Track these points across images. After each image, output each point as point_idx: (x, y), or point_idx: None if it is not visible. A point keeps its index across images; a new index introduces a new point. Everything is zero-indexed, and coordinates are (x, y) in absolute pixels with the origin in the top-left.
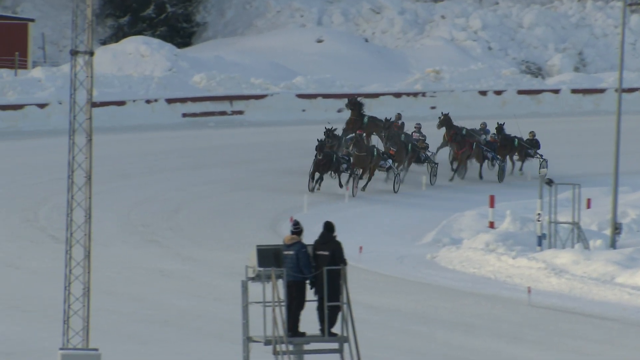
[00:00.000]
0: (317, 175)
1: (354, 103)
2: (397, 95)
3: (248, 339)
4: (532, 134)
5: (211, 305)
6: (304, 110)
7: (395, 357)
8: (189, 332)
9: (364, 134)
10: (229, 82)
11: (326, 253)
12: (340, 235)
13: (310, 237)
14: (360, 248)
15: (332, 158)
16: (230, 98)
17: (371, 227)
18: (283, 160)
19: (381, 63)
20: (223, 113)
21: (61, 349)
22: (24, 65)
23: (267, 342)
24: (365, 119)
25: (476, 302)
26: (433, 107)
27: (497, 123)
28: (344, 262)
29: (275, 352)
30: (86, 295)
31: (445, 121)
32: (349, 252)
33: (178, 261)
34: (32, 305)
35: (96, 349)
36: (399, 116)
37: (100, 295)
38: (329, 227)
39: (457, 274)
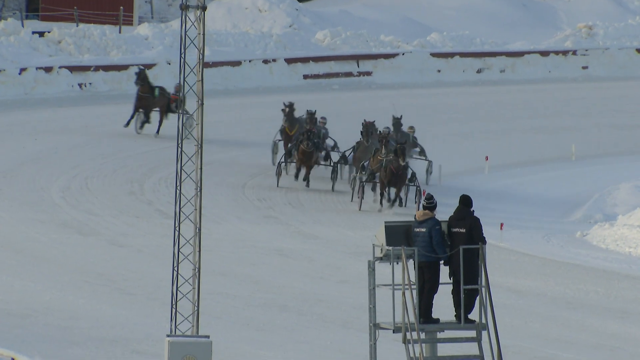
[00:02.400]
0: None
1: (142, 77)
2: (544, 53)
3: (375, 326)
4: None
5: (335, 288)
6: (439, 71)
7: (540, 347)
8: (310, 318)
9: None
10: (355, 40)
11: (462, 230)
12: (478, 210)
13: (444, 213)
14: (502, 225)
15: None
16: (357, 57)
17: (513, 201)
18: (418, 125)
19: (526, 17)
20: (349, 74)
21: (169, 335)
22: (129, 22)
23: (397, 329)
24: (156, 92)
25: (632, 285)
26: (585, 67)
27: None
28: (482, 240)
29: (406, 341)
30: (196, 276)
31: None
32: (488, 229)
33: (298, 239)
34: (138, 287)
35: (207, 336)
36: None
37: (212, 276)
38: (465, 202)
39: (611, 253)
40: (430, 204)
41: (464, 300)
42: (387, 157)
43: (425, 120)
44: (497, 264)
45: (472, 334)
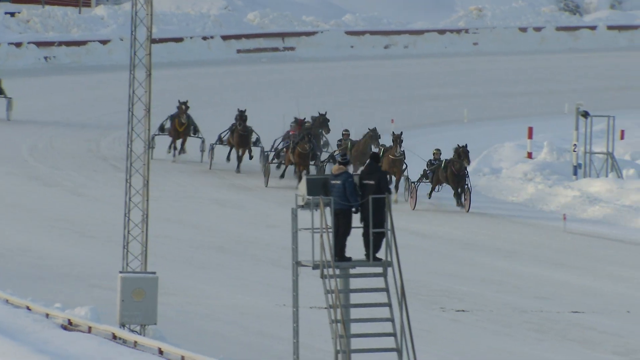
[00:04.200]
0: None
1: None
2: (441, 32)
3: (297, 264)
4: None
5: (264, 232)
6: (352, 47)
7: (437, 281)
8: (244, 257)
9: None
10: (281, 20)
11: (372, 182)
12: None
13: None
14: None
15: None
16: (283, 35)
17: (415, 159)
18: (334, 94)
19: (426, 1)
20: (275, 49)
21: (121, 272)
22: (87, 4)
23: (315, 267)
24: None
25: (516, 229)
26: (475, 44)
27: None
28: (388, 190)
29: (323, 276)
30: (144, 221)
31: None
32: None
33: (233, 191)
34: (96, 231)
35: (154, 272)
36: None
37: (159, 222)
38: (375, 158)
39: (497, 202)
40: (345, 160)
41: (373, 241)
42: (399, 156)
43: (340, 88)
44: (402, 211)
45: (379, 270)
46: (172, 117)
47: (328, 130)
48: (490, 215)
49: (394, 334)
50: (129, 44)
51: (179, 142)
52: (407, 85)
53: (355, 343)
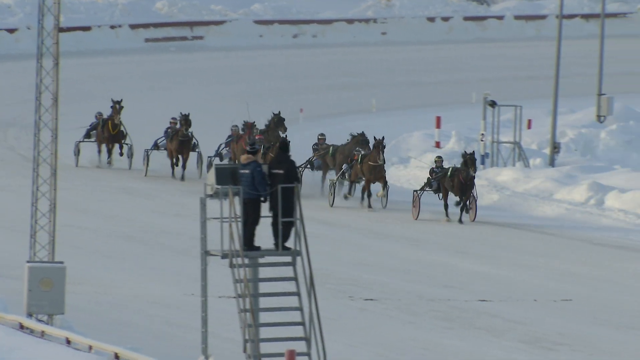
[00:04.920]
0: None
1: None
2: (350, 21)
3: (206, 253)
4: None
5: (173, 221)
6: (261, 36)
7: (346, 270)
8: (153, 246)
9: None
10: (190, 9)
11: (281, 171)
12: (294, 156)
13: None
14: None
15: None
16: (191, 24)
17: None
18: (243, 84)
19: None
20: (184, 38)
21: (28, 261)
22: None
23: (224, 256)
24: None
25: (423, 218)
26: (384, 33)
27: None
28: (297, 180)
29: (232, 265)
30: (52, 211)
31: None
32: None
33: (141, 180)
34: (3, 220)
35: (61, 262)
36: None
37: (67, 212)
38: (284, 147)
39: (405, 191)
40: (253, 149)
41: (282, 230)
42: (380, 163)
43: (249, 78)
44: (311, 200)
45: (288, 259)
46: (104, 120)
47: (285, 130)
48: (398, 204)
49: (302, 323)
50: (36, 33)
51: (106, 148)
52: (316, 75)
53: (264, 332)
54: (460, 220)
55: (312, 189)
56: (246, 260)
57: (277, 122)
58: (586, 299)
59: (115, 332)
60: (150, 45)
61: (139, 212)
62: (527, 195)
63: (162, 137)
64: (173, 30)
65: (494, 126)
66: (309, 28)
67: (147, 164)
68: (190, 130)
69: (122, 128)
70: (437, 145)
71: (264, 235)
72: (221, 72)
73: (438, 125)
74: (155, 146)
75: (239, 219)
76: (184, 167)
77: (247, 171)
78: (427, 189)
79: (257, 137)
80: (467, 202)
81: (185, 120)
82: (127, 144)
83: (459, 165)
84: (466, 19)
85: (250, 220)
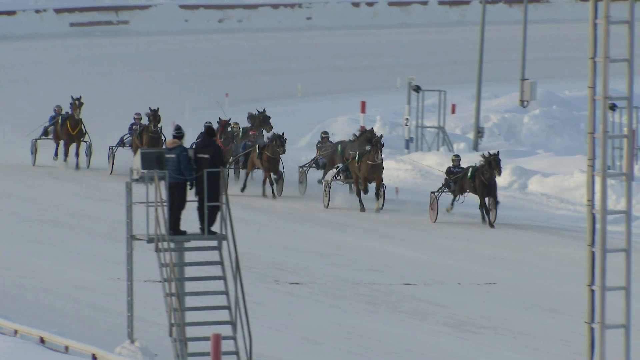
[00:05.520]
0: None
1: None
2: (275, 6)
3: (132, 237)
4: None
5: (98, 205)
6: (186, 21)
7: (271, 254)
8: (79, 231)
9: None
10: None
11: (207, 156)
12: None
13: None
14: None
15: None
16: (116, 8)
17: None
18: (169, 69)
19: None
20: (109, 23)
21: None
22: None
23: (150, 240)
24: None
25: (348, 202)
26: (309, 18)
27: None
28: (223, 164)
29: (157, 249)
30: None
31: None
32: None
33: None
34: None
35: None
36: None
37: None
38: (210, 132)
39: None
40: (179, 134)
41: (208, 215)
42: (379, 162)
43: (175, 63)
44: (238, 184)
45: (214, 243)
46: (63, 118)
47: (270, 129)
48: (320, 188)
49: (228, 307)
50: None
51: (67, 147)
52: (241, 60)
53: (190, 316)
54: (491, 225)
55: (315, 188)
56: (172, 245)
57: (263, 120)
58: (510, 282)
59: (40, 317)
60: (75, 29)
61: (65, 197)
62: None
63: (127, 134)
64: (98, 15)
65: (418, 111)
66: (234, 13)
67: (113, 162)
68: (159, 125)
69: (82, 126)
70: (363, 129)
71: (190, 219)
72: (146, 57)
73: (363, 110)
74: (121, 143)
75: (164, 204)
76: None
77: (173, 156)
78: (444, 190)
79: (251, 133)
80: (488, 204)
81: (155, 115)
82: (85, 142)
83: (477, 165)
84: (391, 4)
85: (176, 204)
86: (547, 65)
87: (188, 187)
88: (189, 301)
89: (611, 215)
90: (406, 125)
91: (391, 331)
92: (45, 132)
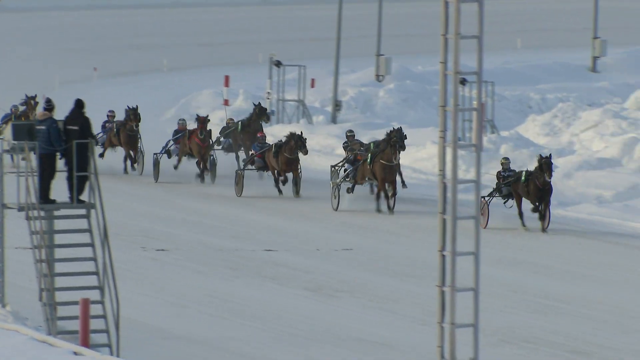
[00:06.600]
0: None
1: None
2: None
3: (3, 206)
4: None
5: None
6: None
7: (138, 222)
8: None
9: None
10: None
11: (76, 128)
12: (90, 112)
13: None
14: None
15: None
16: None
17: (118, 105)
18: (36, 44)
19: None
20: None
21: None
22: None
23: (21, 209)
24: None
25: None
26: None
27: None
28: (92, 136)
29: (28, 218)
30: None
31: None
32: (97, 127)
33: None
34: None
35: None
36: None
37: None
38: (79, 104)
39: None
40: (49, 106)
41: (77, 184)
42: (395, 162)
43: (42, 39)
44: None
45: (83, 211)
46: (18, 118)
47: (268, 120)
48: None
49: (96, 273)
50: None
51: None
52: (109, 35)
53: (60, 281)
54: (543, 230)
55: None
56: (42, 213)
57: (259, 112)
58: (365, 248)
59: None
60: None
61: None
62: (311, 150)
63: (100, 132)
64: None
65: (279, 85)
66: None
67: None
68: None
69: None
70: (226, 103)
71: (59, 189)
72: (15, 33)
73: (227, 84)
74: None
75: (35, 173)
76: (134, 162)
77: (43, 127)
78: (496, 194)
79: (259, 135)
80: (542, 209)
81: (135, 114)
82: None
83: (531, 169)
84: None
85: (46, 174)
86: (401, 42)
87: (58, 157)
88: (59, 267)
89: (461, 185)
90: (268, 98)
91: (253, 295)
92: None
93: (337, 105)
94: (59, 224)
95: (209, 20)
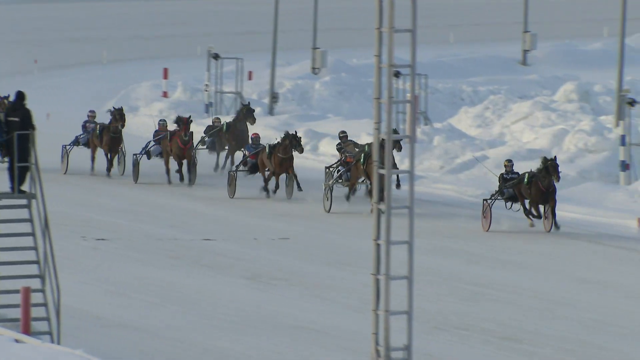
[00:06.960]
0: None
1: None
2: None
3: None
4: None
5: None
6: None
7: (79, 212)
8: None
9: None
10: None
11: (17, 119)
12: (32, 103)
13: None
14: (48, 115)
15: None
16: None
17: (59, 97)
18: None
19: None
20: None
21: None
22: None
23: None
24: None
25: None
26: None
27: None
28: (33, 127)
29: None
30: None
31: None
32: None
33: None
34: None
35: None
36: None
37: None
38: (20, 96)
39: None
40: None
41: (18, 175)
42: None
43: None
44: (49, 147)
45: (24, 202)
46: None
47: (254, 121)
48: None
49: (37, 262)
50: None
51: None
52: (49, 28)
53: (1, 270)
54: (552, 227)
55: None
56: None
57: (247, 112)
58: (302, 238)
59: None
60: None
61: None
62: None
63: (82, 133)
64: None
65: (217, 77)
66: None
67: (67, 162)
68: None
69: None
70: (165, 95)
71: (0, 179)
72: None
73: (165, 76)
74: (76, 142)
75: None
76: (111, 166)
77: None
78: (498, 197)
79: (253, 136)
80: (545, 211)
81: (121, 115)
82: None
83: (534, 171)
84: None
85: None
86: (337, 35)
87: None
88: (0, 256)
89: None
90: (206, 90)
91: (192, 283)
92: None
93: (274, 98)
94: (0, 214)
95: (148, 13)
